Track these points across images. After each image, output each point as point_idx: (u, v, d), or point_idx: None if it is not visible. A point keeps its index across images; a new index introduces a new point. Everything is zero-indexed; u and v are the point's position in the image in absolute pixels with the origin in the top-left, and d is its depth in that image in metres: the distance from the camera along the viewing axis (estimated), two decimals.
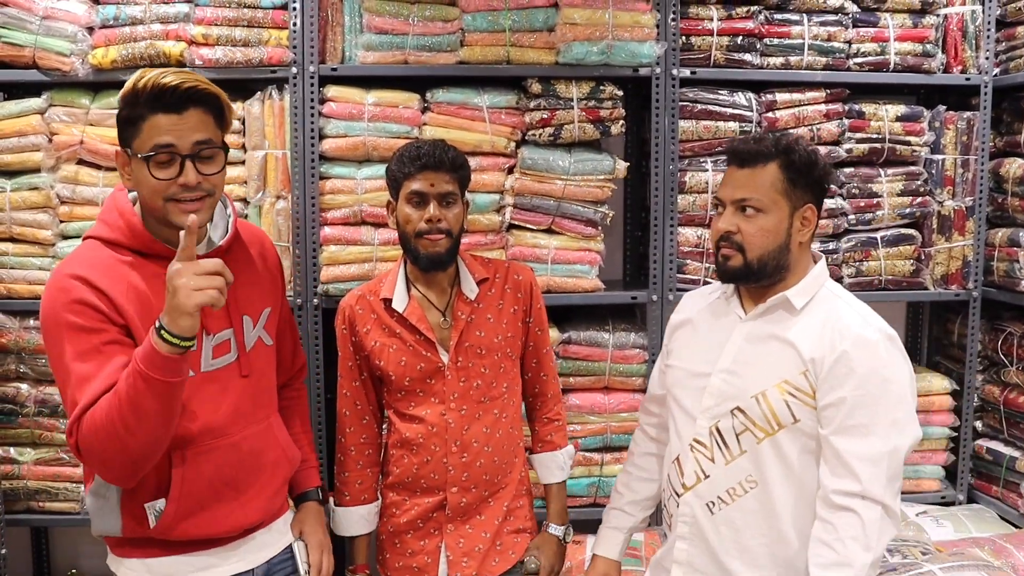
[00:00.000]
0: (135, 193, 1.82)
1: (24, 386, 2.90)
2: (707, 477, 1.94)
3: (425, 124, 2.87)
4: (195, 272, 1.59)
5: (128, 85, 1.74)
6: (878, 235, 3.03)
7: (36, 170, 2.84)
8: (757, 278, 1.90)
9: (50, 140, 2.84)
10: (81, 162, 2.86)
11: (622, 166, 2.91)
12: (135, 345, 1.70)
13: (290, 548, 2.04)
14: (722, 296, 2.05)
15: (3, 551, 2.87)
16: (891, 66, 2.98)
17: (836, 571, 1.72)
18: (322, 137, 2.84)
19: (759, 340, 1.93)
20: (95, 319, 1.70)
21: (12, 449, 2.91)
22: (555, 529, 2.33)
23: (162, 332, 1.58)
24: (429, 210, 2.11)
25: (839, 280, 3.02)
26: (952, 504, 3.13)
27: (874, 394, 1.77)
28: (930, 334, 3.48)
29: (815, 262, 1.98)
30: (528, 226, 2.92)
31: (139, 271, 1.77)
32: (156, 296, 1.73)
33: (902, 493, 2.78)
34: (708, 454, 1.94)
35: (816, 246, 3.00)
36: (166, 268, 1.66)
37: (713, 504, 1.93)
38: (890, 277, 3.04)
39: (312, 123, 2.82)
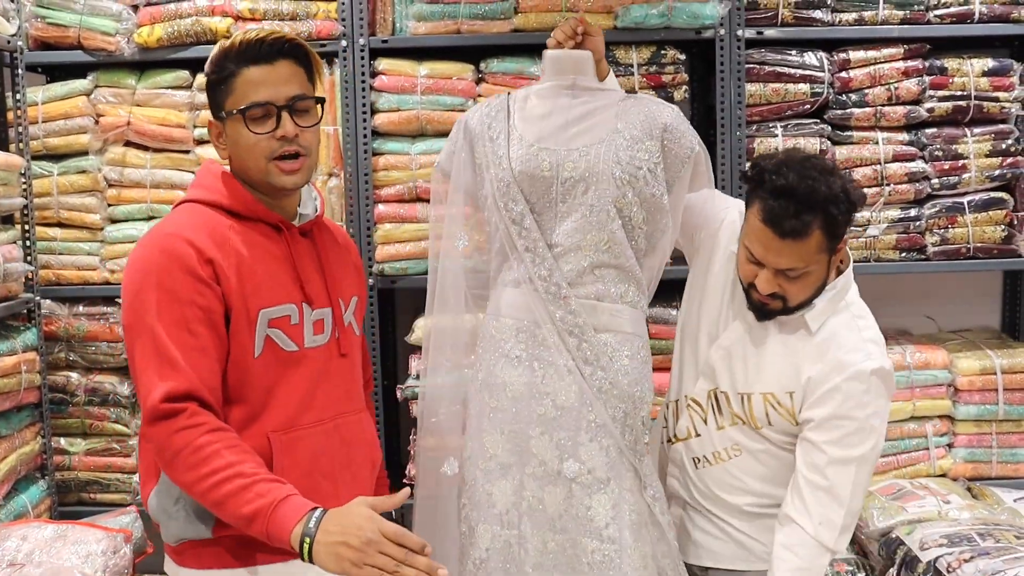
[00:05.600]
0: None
1: (74, 375, 3.01)
2: (698, 435, 2.14)
3: (480, 96, 2.89)
4: (391, 552, 1.53)
5: (215, 52, 1.79)
6: (964, 200, 2.99)
7: (83, 153, 2.97)
8: (791, 313, 2.01)
9: (96, 122, 2.94)
10: (128, 144, 2.99)
11: None
12: (224, 314, 1.72)
13: None
14: (730, 259, 2.11)
15: None
16: (976, 16, 2.94)
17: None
18: (374, 112, 2.90)
19: (765, 339, 2.05)
20: (192, 289, 1.69)
21: (63, 440, 3.03)
22: None
23: (305, 547, 1.55)
24: None
25: (922, 249, 3.01)
26: None
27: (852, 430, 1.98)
28: None
29: (840, 271, 2.05)
30: None
31: (240, 236, 1.77)
32: (257, 263, 1.76)
33: (998, 479, 3.09)
34: (702, 415, 2.13)
35: (896, 213, 2.99)
36: (269, 235, 1.79)
37: (698, 461, 2.14)
38: (979, 244, 3.00)
39: (363, 97, 2.87)
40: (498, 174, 2.10)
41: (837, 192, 1.87)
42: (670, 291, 2.88)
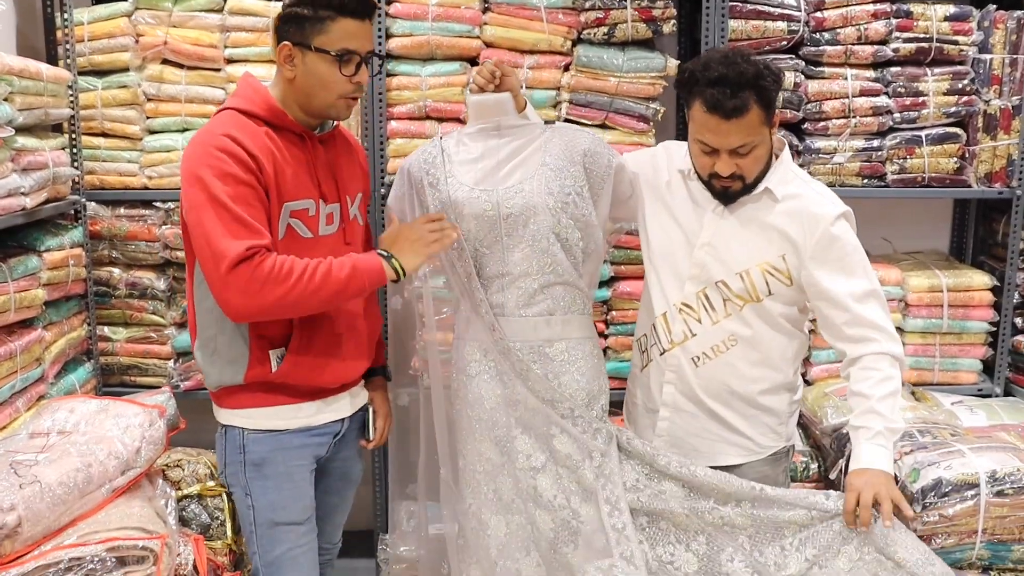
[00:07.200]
0: (266, 83, 2.13)
1: (116, 270, 3.26)
2: (694, 336, 2.29)
3: (485, 24, 3.08)
4: (430, 228, 2.11)
5: None
6: (923, 133, 3.18)
7: (124, 69, 3.17)
8: (751, 190, 2.22)
9: (136, 41, 3.14)
10: (165, 62, 3.18)
11: (673, 64, 3.08)
12: (268, 203, 2.01)
13: (365, 408, 2.42)
14: (680, 176, 2.32)
15: None
16: None
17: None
18: (388, 36, 3.08)
19: (740, 221, 2.23)
20: (245, 171, 1.96)
21: (106, 328, 3.29)
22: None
23: (394, 261, 2.08)
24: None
25: (883, 177, 3.22)
26: (989, 396, 3.29)
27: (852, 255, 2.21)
28: (976, 233, 3.64)
29: (778, 148, 2.26)
30: (583, 121, 3.09)
31: (272, 141, 2.04)
32: (287, 164, 2.06)
33: (939, 385, 3.21)
34: (695, 316, 2.29)
35: (861, 143, 3.18)
36: (295, 142, 2.09)
37: (697, 359, 2.30)
38: (933, 174, 3.20)
39: (379, 23, 3.04)
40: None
41: (761, 69, 2.10)
42: None
